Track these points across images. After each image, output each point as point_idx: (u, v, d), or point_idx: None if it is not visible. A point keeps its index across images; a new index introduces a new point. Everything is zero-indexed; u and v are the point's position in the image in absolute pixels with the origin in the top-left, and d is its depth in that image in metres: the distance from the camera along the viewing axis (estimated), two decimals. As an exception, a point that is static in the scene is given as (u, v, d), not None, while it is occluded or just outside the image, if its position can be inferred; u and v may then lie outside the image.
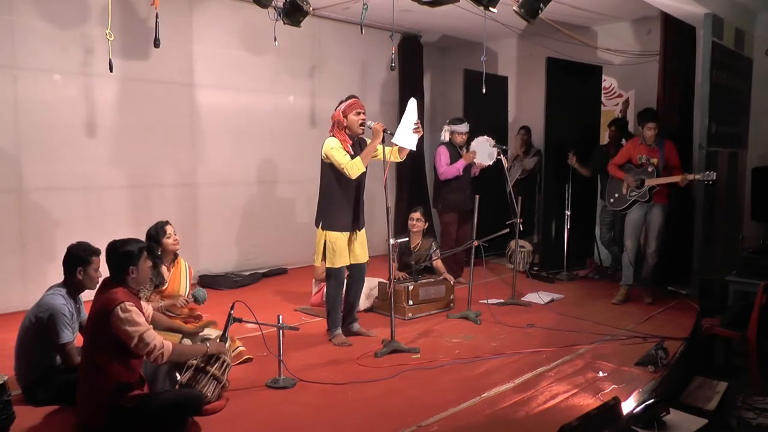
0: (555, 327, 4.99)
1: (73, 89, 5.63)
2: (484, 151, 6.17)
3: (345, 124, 4.45)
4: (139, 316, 2.95)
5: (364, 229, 4.65)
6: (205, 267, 6.61)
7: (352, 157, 4.41)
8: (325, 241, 4.46)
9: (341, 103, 4.52)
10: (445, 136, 6.36)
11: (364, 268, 4.70)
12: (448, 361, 4.19)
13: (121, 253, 3.08)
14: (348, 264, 4.56)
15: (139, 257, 3.10)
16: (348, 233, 4.52)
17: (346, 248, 4.51)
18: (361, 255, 4.61)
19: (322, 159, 4.47)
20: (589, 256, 7.30)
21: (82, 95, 5.68)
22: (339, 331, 4.62)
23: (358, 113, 4.45)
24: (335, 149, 4.37)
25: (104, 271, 3.50)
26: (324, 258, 4.50)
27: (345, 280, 4.66)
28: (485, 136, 6.23)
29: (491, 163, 6.17)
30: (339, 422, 3.28)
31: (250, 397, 3.57)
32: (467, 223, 6.28)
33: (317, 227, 4.53)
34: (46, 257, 5.33)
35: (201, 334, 3.94)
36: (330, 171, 4.45)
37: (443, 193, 6.38)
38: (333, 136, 4.46)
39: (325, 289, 4.72)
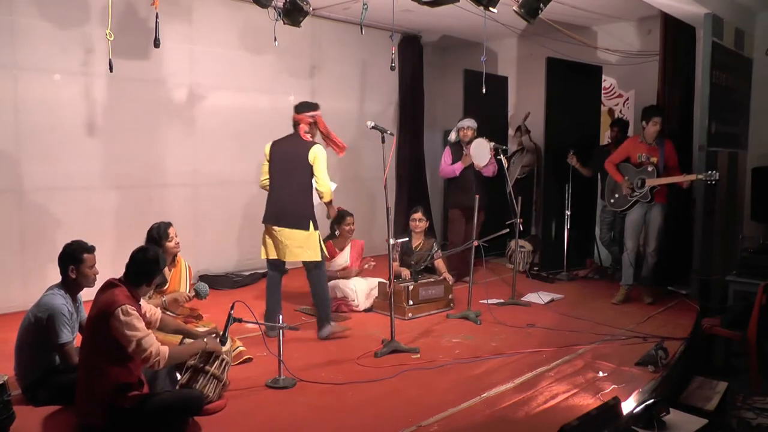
0: (555, 327, 4.99)
1: (73, 89, 5.63)
2: (479, 152, 6.20)
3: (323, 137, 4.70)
4: (139, 320, 2.95)
5: None
6: (205, 267, 6.61)
7: None
8: (319, 237, 4.64)
9: (315, 111, 4.65)
10: (452, 136, 6.50)
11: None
12: (448, 361, 4.19)
13: (152, 260, 3.14)
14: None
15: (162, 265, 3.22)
16: None
17: None
18: None
19: (309, 161, 4.54)
20: (589, 256, 7.30)
21: (82, 95, 5.68)
22: (334, 324, 4.75)
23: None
24: (325, 164, 4.56)
25: (102, 269, 3.53)
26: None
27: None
28: (481, 138, 6.25)
29: (486, 162, 6.19)
30: (339, 422, 3.28)
31: (250, 397, 3.57)
32: (473, 221, 6.34)
33: (308, 229, 4.57)
34: (46, 257, 5.31)
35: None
36: (311, 174, 4.57)
37: (450, 191, 6.69)
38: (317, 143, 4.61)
39: (316, 288, 4.73)
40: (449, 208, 6.68)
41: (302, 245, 4.56)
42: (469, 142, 6.31)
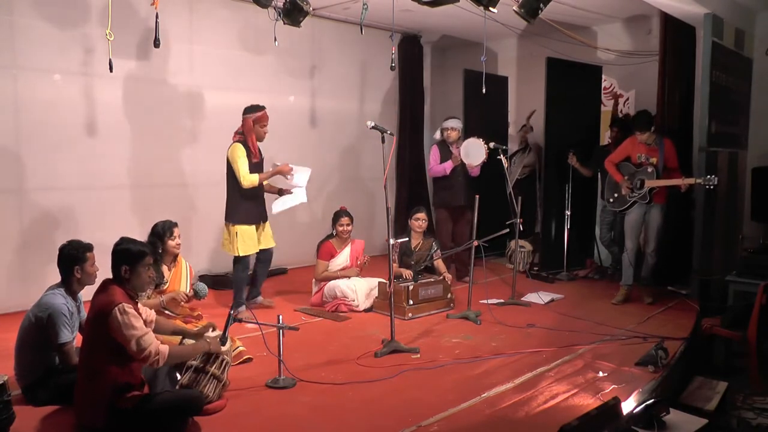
0: (555, 327, 4.99)
1: (73, 89, 5.63)
2: (475, 151, 6.18)
3: (253, 132, 5.07)
4: (136, 319, 2.94)
5: (268, 221, 5.38)
6: (205, 267, 6.61)
7: (256, 164, 5.08)
8: (237, 233, 5.07)
9: (251, 112, 5.08)
10: (437, 135, 6.58)
11: (271, 251, 5.45)
12: (448, 361, 4.19)
13: (119, 251, 3.11)
14: (257, 251, 5.24)
15: (134, 260, 3.09)
16: (255, 225, 5.18)
17: (255, 238, 5.18)
18: (267, 242, 5.37)
19: (227, 161, 5.06)
20: (589, 256, 7.29)
21: (82, 95, 5.68)
22: (243, 307, 5.10)
23: (264, 126, 5.12)
24: (240, 158, 4.98)
25: (102, 270, 3.52)
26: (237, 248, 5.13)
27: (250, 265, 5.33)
28: (475, 137, 6.24)
29: (480, 162, 6.18)
30: (339, 422, 3.28)
31: (250, 397, 3.57)
32: (461, 220, 6.44)
33: (227, 222, 5.13)
34: (46, 257, 5.28)
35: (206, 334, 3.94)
36: (233, 172, 5.04)
37: (436, 191, 6.69)
38: (240, 141, 5.03)
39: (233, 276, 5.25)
40: (435, 207, 6.71)
41: (224, 237, 5.21)
42: (454, 143, 6.34)
